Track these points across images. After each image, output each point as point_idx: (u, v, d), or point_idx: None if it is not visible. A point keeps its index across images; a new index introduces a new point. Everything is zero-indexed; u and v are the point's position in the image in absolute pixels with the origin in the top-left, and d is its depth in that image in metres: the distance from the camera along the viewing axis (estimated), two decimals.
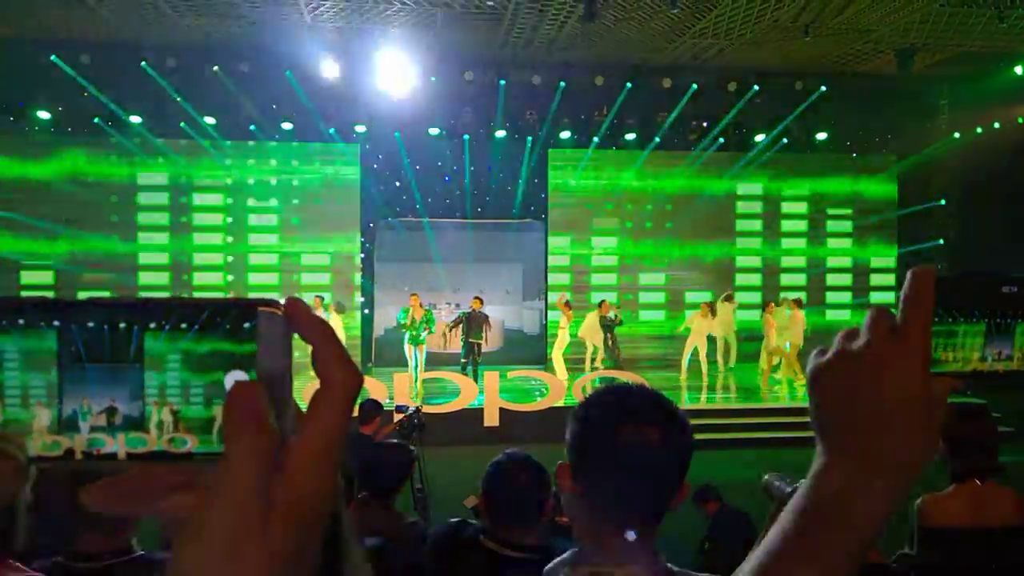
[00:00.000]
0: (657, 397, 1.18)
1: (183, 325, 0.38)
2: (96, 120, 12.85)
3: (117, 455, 0.39)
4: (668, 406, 1.16)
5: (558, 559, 1.16)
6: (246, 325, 0.39)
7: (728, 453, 8.64)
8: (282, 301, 0.40)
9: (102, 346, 0.38)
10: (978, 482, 2.38)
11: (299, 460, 0.37)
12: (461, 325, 12.13)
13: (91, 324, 0.38)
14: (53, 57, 11.64)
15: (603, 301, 13.22)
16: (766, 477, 2.59)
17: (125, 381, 0.38)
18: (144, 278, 13.70)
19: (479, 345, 11.96)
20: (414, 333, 11.53)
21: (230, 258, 14.30)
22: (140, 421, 0.39)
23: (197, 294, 12.34)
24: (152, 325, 0.38)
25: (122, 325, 0.38)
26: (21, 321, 0.38)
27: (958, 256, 14.52)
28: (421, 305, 11.83)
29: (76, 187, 13.21)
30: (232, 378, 0.38)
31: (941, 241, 14.85)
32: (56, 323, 0.38)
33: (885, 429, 0.50)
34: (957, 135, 13.95)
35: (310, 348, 0.39)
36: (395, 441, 4.46)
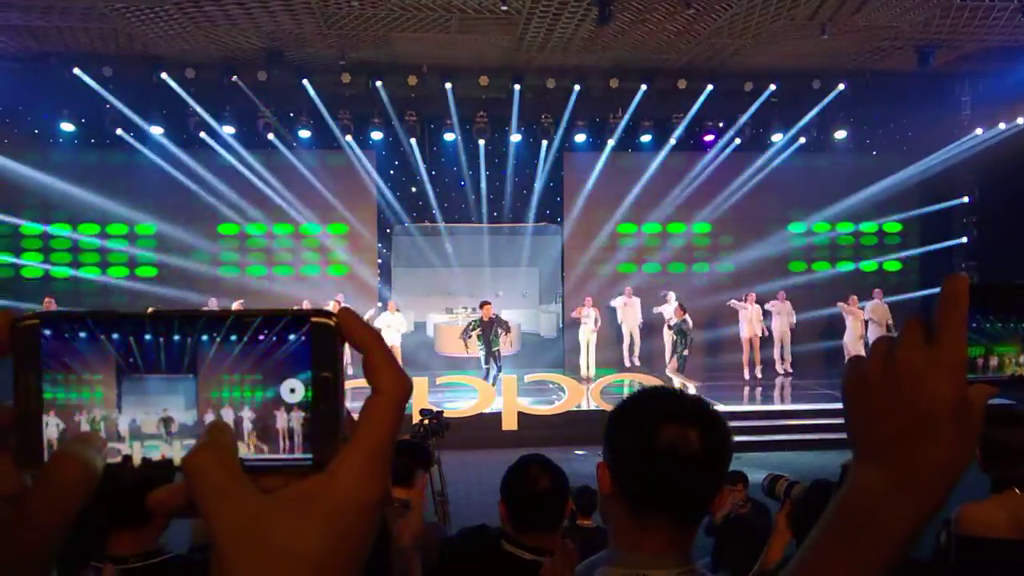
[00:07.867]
0: (697, 400, 1.18)
1: (234, 336, 0.40)
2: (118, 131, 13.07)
3: (173, 461, 0.40)
4: (708, 409, 1.16)
5: (589, 559, 1.16)
6: (294, 336, 0.40)
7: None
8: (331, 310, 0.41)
9: (158, 357, 0.40)
10: (1018, 491, 2.29)
11: (350, 467, 0.39)
12: (478, 332, 11.78)
13: (148, 336, 0.40)
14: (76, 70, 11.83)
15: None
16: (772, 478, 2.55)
17: (180, 391, 0.40)
18: (166, 292, 13.76)
19: (498, 352, 11.77)
20: None
21: (249, 267, 14.44)
22: (195, 429, 0.40)
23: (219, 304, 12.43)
24: (206, 337, 0.40)
25: (177, 337, 0.40)
26: (83, 334, 0.39)
27: (980, 255, 14.29)
28: None
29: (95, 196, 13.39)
30: (286, 387, 0.40)
31: (964, 239, 14.62)
32: (115, 335, 0.40)
33: (921, 437, 0.49)
34: (979, 132, 13.74)
35: (361, 356, 0.40)
36: (409, 439, 4.45)
